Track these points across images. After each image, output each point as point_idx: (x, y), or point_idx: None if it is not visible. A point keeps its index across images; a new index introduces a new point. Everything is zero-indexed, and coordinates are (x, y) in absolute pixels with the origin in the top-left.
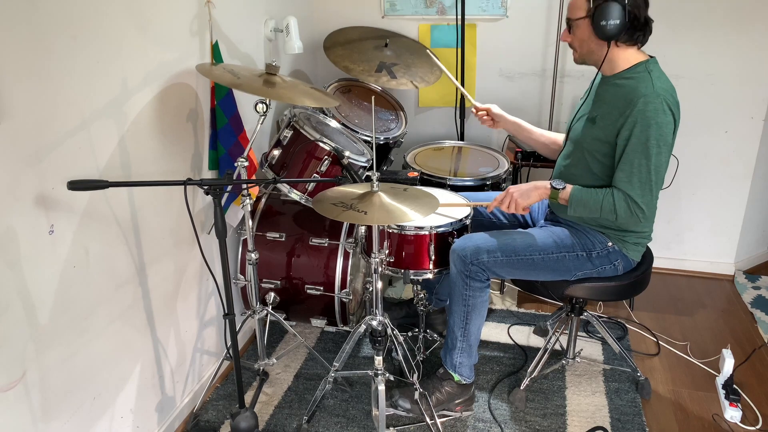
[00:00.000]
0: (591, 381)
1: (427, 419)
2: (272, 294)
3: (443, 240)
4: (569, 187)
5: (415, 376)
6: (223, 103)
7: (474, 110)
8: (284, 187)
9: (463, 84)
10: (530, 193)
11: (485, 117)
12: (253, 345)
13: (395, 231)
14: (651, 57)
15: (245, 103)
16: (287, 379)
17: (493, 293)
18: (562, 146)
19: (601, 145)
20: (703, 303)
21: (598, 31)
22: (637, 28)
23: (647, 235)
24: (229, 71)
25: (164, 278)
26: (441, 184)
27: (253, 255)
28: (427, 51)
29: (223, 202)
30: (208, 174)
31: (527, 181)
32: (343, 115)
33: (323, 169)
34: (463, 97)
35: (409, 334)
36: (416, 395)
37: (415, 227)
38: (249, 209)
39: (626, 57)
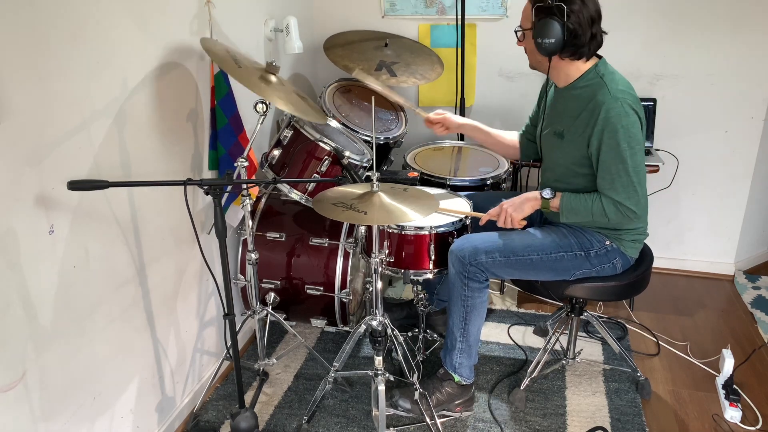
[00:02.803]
0: (591, 381)
1: (427, 419)
2: (272, 294)
3: (443, 240)
4: (558, 196)
5: (415, 376)
6: (223, 103)
7: (426, 122)
8: (284, 187)
9: (463, 84)
10: (523, 207)
11: (441, 126)
12: (253, 345)
13: (395, 231)
14: (599, 58)
15: (245, 103)
16: (287, 379)
17: (493, 293)
18: (540, 160)
19: (574, 158)
20: (703, 303)
21: (538, 46)
22: (581, 45)
23: (643, 230)
24: (232, 56)
25: (164, 278)
26: (441, 184)
27: (253, 255)
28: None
29: (223, 202)
30: (208, 174)
31: (527, 182)
32: (343, 115)
33: (323, 169)
34: (463, 97)
35: (409, 334)
36: (416, 395)
37: (415, 227)
38: (249, 209)
39: (576, 66)
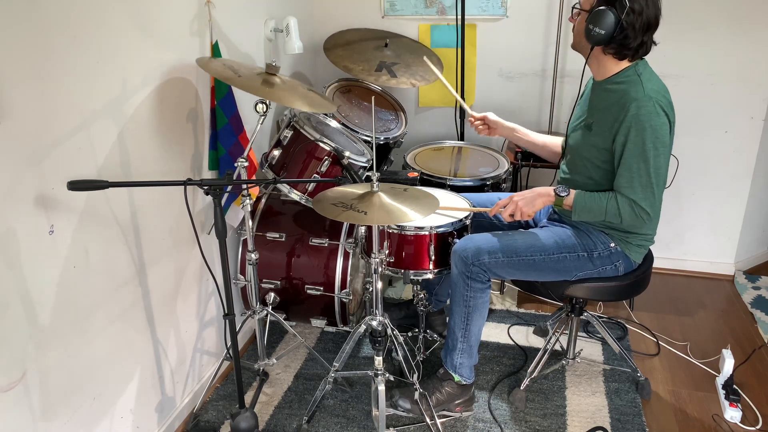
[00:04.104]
0: (591, 381)
1: (427, 419)
2: (272, 294)
3: (443, 240)
4: (573, 193)
5: (415, 376)
6: (223, 103)
7: (471, 120)
8: (284, 188)
9: (463, 84)
10: (535, 201)
11: (481, 126)
12: (253, 345)
13: (395, 231)
14: (641, 58)
15: (245, 103)
16: (287, 379)
17: (493, 293)
18: (561, 154)
19: (599, 152)
20: (703, 303)
21: (587, 32)
22: (626, 47)
23: (650, 237)
24: (229, 67)
25: (164, 278)
26: (441, 184)
27: (253, 255)
28: (426, 60)
29: (223, 202)
30: (208, 174)
31: (527, 182)
32: (343, 115)
33: (323, 169)
34: (463, 97)
35: (409, 334)
36: (416, 395)
37: (415, 227)
38: (249, 209)
39: (616, 62)
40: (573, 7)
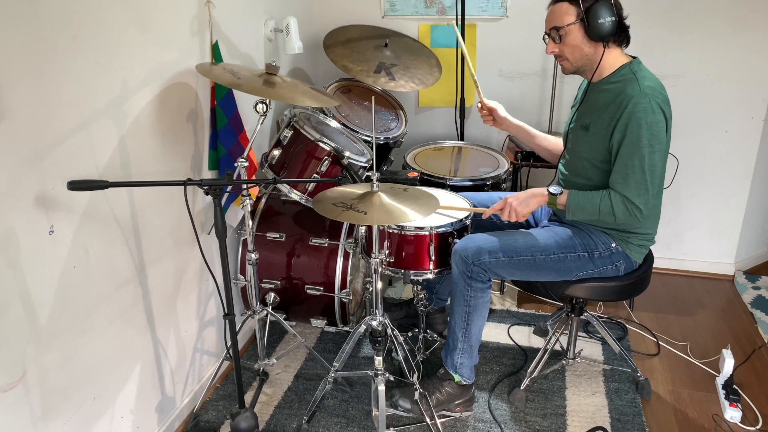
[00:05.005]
0: (591, 381)
1: (427, 419)
2: (272, 294)
3: (443, 240)
4: (566, 192)
5: (415, 376)
6: (223, 103)
7: (479, 105)
8: (284, 187)
9: (462, 84)
10: (529, 202)
11: (488, 116)
12: (253, 345)
13: (395, 231)
14: (634, 58)
15: (245, 103)
16: (287, 379)
17: (493, 293)
18: (561, 155)
19: (597, 152)
20: (703, 303)
21: (593, 31)
22: (623, 29)
23: (651, 237)
24: (229, 71)
25: (164, 278)
26: (441, 184)
27: (253, 255)
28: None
29: (223, 202)
30: (208, 174)
31: (527, 182)
32: (343, 115)
33: (323, 169)
34: (463, 97)
35: (409, 334)
36: (416, 395)
37: (415, 227)
38: (249, 209)
39: (611, 62)
40: (550, 36)
